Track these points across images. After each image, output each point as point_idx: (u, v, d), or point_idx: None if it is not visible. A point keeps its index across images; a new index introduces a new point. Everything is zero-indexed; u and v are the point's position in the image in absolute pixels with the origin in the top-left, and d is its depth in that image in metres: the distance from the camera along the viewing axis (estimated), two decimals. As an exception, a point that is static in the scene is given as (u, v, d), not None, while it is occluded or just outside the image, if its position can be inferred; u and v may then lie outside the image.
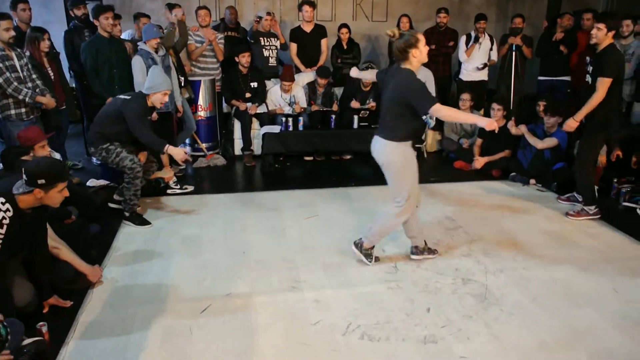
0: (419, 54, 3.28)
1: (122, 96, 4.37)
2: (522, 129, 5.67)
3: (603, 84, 4.18)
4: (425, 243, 3.80)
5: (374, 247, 3.71)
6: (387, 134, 3.40)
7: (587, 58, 6.39)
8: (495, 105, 5.87)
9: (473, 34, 6.89)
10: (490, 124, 3.22)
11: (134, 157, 4.32)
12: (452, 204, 4.94)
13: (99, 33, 5.35)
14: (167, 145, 4.20)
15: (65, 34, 5.91)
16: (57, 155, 4.48)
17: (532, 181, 5.50)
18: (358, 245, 3.70)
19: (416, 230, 3.72)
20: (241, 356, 2.71)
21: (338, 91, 6.81)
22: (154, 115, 4.95)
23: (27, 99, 4.57)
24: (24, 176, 2.73)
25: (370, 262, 3.68)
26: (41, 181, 2.74)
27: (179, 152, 4.28)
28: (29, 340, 2.63)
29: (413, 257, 3.79)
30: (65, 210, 4.09)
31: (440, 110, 3.18)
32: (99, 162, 5.34)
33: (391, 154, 3.41)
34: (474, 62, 6.92)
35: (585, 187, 4.60)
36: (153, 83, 4.33)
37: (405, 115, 3.31)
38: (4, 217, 2.68)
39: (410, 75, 3.27)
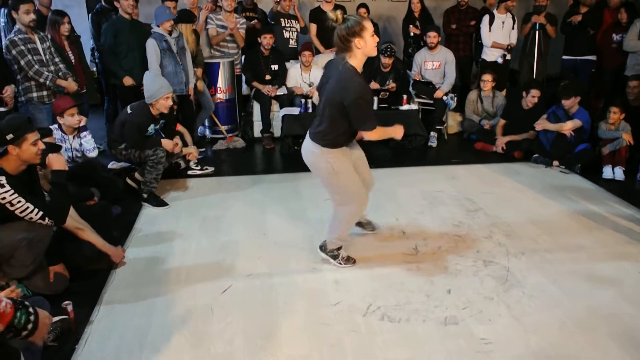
0: (364, 44, 2.82)
1: (129, 108, 4.54)
2: (542, 123, 5.53)
3: None
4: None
5: (340, 247, 3.40)
6: (317, 135, 3.06)
7: (614, 35, 6.26)
8: (534, 92, 5.76)
9: (496, 13, 6.73)
10: (398, 132, 3.13)
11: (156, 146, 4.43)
12: (473, 185, 4.89)
13: (121, 15, 5.38)
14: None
15: (92, 15, 5.94)
16: (87, 133, 4.52)
17: (555, 163, 5.41)
18: (322, 247, 3.45)
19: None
20: (262, 336, 2.73)
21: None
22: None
23: (47, 82, 4.62)
24: None
25: (340, 263, 3.39)
26: (9, 136, 2.75)
27: (170, 143, 4.55)
28: (55, 318, 2.68)
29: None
30: (88, 192, 4.14)
31: (372, 135, 2.97)
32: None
33: (317, 159, 3.09)
34: (497, 40, 6.76)
35: None
36: (152, 92, 4.43)
37: (338, 121, 2.94)
38: None
39: (352, 77, 2.85)
